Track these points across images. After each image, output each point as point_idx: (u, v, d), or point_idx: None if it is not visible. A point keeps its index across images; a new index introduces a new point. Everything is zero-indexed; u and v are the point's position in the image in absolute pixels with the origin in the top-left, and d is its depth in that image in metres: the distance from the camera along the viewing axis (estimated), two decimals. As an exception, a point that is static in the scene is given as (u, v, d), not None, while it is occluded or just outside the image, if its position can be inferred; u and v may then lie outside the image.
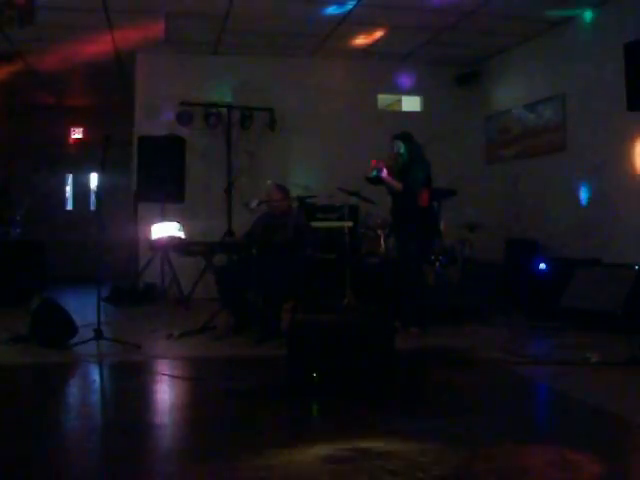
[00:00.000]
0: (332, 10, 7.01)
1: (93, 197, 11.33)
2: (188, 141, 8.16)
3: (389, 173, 5.74)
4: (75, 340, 5.07)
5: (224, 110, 8.27)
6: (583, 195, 7.17)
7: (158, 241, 7.61)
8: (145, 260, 7.99)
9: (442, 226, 7.23)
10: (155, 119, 8.31)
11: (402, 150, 5.80)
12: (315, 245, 5.94)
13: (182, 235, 7.60)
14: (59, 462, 2.72)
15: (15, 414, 3.41)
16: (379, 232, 7.03)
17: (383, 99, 9.46)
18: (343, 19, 7.32)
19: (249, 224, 6.16)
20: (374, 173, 5.79)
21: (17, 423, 3.24)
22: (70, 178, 11.59)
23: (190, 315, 6.57)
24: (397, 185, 5.71)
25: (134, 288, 8.03)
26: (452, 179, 8.29)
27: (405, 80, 9.00)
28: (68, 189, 11.60)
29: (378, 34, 7.92)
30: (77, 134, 10.99)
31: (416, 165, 5.75)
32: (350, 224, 7.28)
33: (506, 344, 5.06)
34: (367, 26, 7.63)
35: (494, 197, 8.86)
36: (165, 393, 4.01)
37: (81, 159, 10.77)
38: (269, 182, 6.14)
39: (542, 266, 6.64)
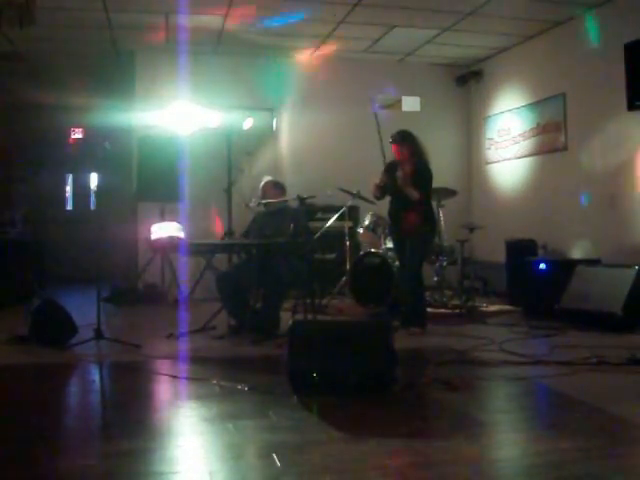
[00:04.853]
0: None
1: (93, 197, 11.33)
2: (188, 141, 8.16)
3: (403, 182, 5.70)
4: (75, 340, 5.07)
5: (224, 110, 8.27)
6: (583, 195, 7.17)
7: (158, 241, 7.61)
8: (145, 260, 8.00)
9: (442, 226, 7.24)
10: (155, 119, 8.30)
11: (408, 152, 5.75)
12: (313, 245, 5.93)
13: (182, 235, 7.61)
14: (59, 462, 2.71)
15: (15, 414, 3.41)
16: (379, 232, 7.02)
17: (383, 99, 9.45)
18: (343, 19, 7.32)
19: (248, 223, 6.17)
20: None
21: (17, 423, 3.24)
22: (70, 178, 11.59)
23: (190, 315, 6.57)
24: (415, 195, 5.63)
25: (134, 288, 8.04)
26: (452, 179, 8.32)
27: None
28: (68, 189, 11.59)
29: (378, 34, 7.93)
30: (77, 134, 10.99)
31: (424, 169, 5.72)
32: (350, 224, 7.29)
33: (506, 344, 5.06)
34: (367, 26, 7.63)
35: (494, 197, 8.88)
36: (165, 393, 4.01)
37: (81, 159, 10.77)
38: (265, 179, 6.14)
39: (542, 266, 6.64)
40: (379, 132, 6.52)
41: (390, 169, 5.88)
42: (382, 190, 5.88)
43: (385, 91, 8.66)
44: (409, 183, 5.64)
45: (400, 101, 9.78)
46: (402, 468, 2.60)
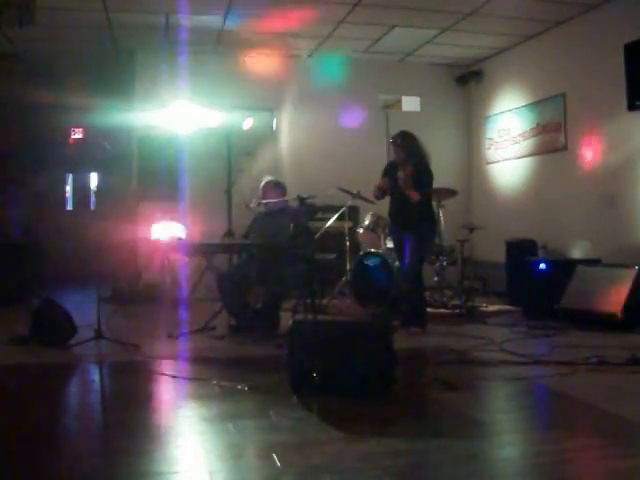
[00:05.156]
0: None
1: (93, 197, 11.34)
2: (188, 141, 8.16)
3: (404, 183, 5.68)
4: (75, 340, 5.07)
5: (224, 110, 8.26)
6: (582, 195, 7.17)
7: (158, 241, 7.60)
8: (145, 260, 7.99)
9: (442, 226, 7.24)
10: (155, 119, 8.30)
11: (409, 153, 5.74)
12: (313, 246, 5.92)
13: (182, 235, 7.60)
14: (59, 462, 2.71)
15: (15, 414, 3.41)
16: (379, 232, 7.02)
17: (383, 99, 9.46)
18: (343, 19, 7.32)
19: (248, 224, 6.17)
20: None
21: (17, 423, 3.24)
22: (70, 178, 11.60)
23: (190, 315, 6.57)
24: (415, 196, 5.62)
25: (134, 288, 8.03)
26: (452, 179, 8.32)
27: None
28: (68, 189, 11.60)
29: (378, 34, 7.93)
30: (77, 134, 10.99)
31: (424, 170, 5.71)
32: (350, 224, 7.28)
33: (506, 344, 5.06)
34: (367, 26, 7.63)
35: (494, 197, 8.88)
36: (165, 393, 4.01)
37: (81, 159, 10.77)
38: (265, 179, 6.13)
39: (542, 266, 6.64)
40: (388, 133, 6.47)
41: (390, 169, 5.88)
42: (382, 191, 5.88)
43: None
44: (409, 184, 5.64)
45: (400, 101, 9.80)
46: (402, 468, 2.60)
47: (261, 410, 3.40)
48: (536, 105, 8.00)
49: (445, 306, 7.07)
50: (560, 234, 7.40)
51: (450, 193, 7.31)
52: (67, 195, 11.60)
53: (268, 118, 8.57)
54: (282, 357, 3.88)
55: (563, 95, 7.47)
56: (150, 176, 7.93)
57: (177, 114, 8.19)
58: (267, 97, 8.66)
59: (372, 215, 7.07)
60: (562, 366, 4.26)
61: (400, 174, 5.71)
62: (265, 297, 5.53)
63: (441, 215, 7.24)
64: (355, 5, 6.89)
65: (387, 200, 6.01)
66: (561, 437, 2.96)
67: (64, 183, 11.56)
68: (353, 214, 7.72)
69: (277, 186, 6.02)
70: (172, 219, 7.86)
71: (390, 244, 6.61)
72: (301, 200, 5.69)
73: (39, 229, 9.48)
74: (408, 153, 5.75)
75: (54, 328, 5.08)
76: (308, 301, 5.45)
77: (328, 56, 8.67)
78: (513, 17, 7.26)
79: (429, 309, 6.34)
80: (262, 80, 8.66)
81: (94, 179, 11.45)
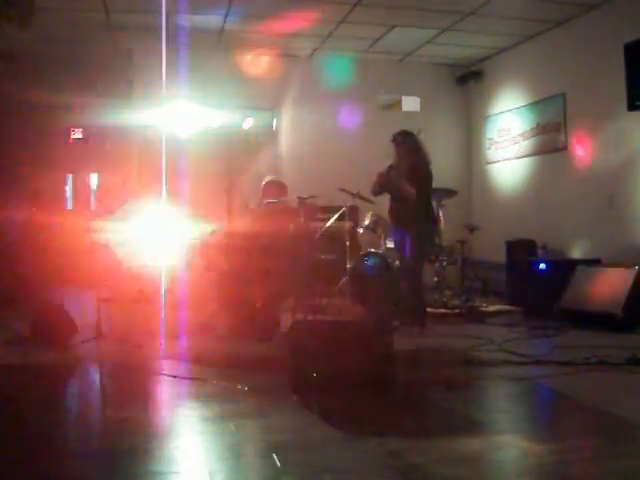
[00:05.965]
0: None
1: (93, 197, 11.32)
2: (188, 141, 8.15)
3: (398, 178, 5.68)
4: (75, 340, 5.07)
5: (224, 110, 8.26)
6: (582, 195, 7.16)
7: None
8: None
9: (442, 226, 7.24)
10: (155, 119, 8.29)
11: (408, 152, 5.75)
12: (313, 246, 5.93)
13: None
14: (59, 462, 2.71)
15: (15, 414, 3.41)
16: (379, 232, 7.02)
17: (383, 99, 9.46)
18: (343, 19, 7.32)
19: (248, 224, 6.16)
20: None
21: (17, 423, 3.24)
22: (70, 178, 11.58)
23: (190, 315, 6.56)
24: (410, 191, 5.65)
25: (135, 288, 8.02)
26: (452, 179, 8.32)
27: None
28: (68, 189, 11.58)
29: (378, 34, 7.93)
30: (77, 134, 10.97)
31: (422, 167, 5.72)
32: (350, 224, 7.28)
33: (506, 344, 5.06)
34: (367, 26, 7.63)
35: (494, 197, 8.88)
36: (165, 393, 4.01)
37: (81, 159, 10.75)
38: (266, 178, 6.14)
39: (542, 266, 6.63)
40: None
41: (391, 170, 5.88)
42: (379, 185, 5.88)
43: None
44: (404, 179, 5.66)
45: (400, 101, 9.80)
46: (402, 468, 2.60)
47: (261, 410, 3.40)
48: (536, 105, 8.00)
49: (445, 306, 7.07)
50: (560, 234, 7.40)
51: (450, 193, 7.31)
52: (67, 195, 11.57)
53: (268, 118, 8.57)
54: (282, 357, 3.88)
55: (563, 95, 7.47)
56: (150, 176, 7.91)
57: (177, 114, 8.18)
58: (267, 97, 8.66)
59: (372, 215, 7.07)
60: (562, 366, 4.26)
61: (394, 170, 5.73)
62: (265, 296, 5.53)
63: (441, 215, 7.24)
64: (355, 5, 6.89)
65: (387, 200, 6.01)
66: (561, 437, 2.96)
67: (64, 183, 11.54)
68: (353, 214, 7.71)
69: (278, 186, 6.02)
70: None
71: (390, 244, 6.61)
72: (301, 200, 5.69)
73: (39, 229, 9.46)
74: (409, 152, 5.75)
75: (54, 328, 5.08)
76: (308, 301, 5.45)
77: (329, 56, 8.68)
78: (513, 17, 7.26)
79: (429, 309, 6.34)
80: (262, 80, 8.66)
81: (94, 179, 11.42)
